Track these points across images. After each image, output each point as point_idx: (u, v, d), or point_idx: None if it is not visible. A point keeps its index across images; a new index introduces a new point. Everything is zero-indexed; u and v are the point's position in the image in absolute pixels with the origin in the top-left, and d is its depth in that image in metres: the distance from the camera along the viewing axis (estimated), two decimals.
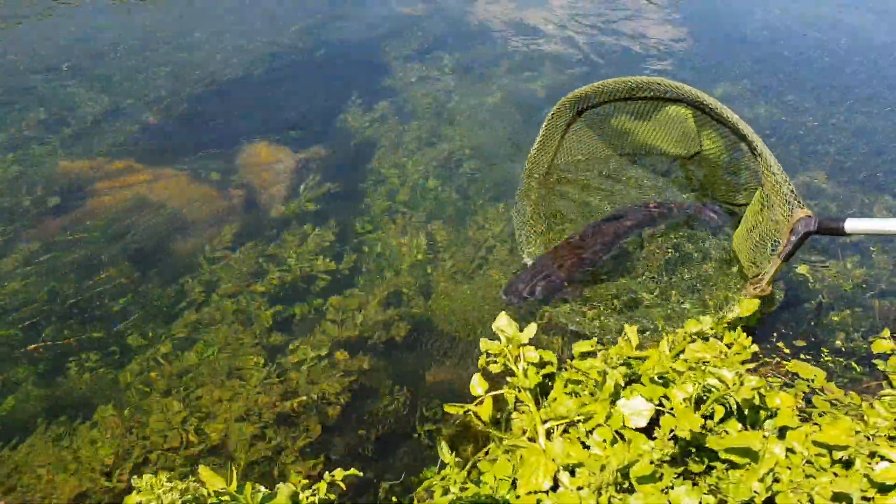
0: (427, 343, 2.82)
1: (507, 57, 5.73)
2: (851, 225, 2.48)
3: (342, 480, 1.92)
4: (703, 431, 1.78)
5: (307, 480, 2.09)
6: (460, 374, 2.62)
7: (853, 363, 2.73)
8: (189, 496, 1.94)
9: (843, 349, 2.81)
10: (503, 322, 2.00)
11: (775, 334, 2.88)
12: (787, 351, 2.76)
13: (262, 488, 1.91)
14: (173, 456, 2.41)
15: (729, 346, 2.08)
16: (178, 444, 2.49)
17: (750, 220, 3.05)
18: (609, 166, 4.00)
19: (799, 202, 2.60)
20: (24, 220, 3.56)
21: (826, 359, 2.75)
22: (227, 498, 1.81)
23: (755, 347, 2.14)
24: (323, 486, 1.91)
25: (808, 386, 2.50)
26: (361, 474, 1.93)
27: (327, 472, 1.92)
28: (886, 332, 2.84)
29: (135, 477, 2.07)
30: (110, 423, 2.52)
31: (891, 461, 1.82)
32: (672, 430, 1.75)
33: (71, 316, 2.97)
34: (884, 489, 1.77)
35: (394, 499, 2.10)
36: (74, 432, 2.48)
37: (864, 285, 3.17)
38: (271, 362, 2.74)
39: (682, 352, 1.99)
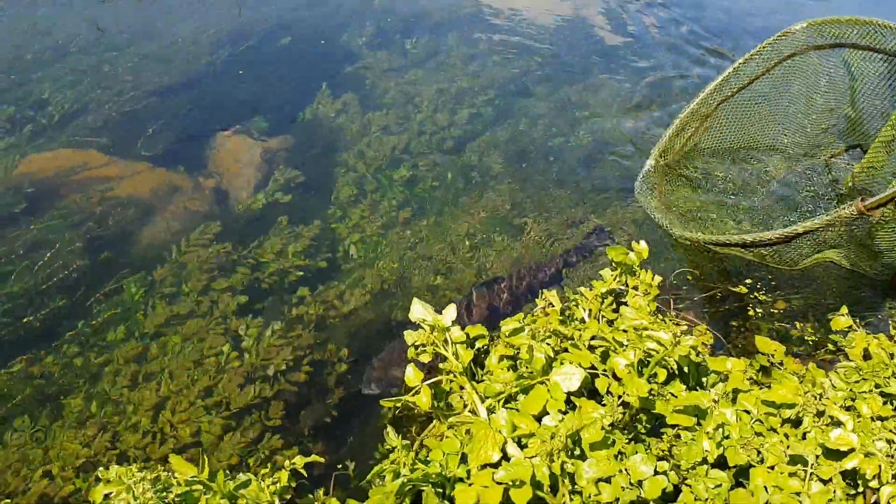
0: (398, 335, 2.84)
1: (473, 43, 5.68)
2: None
3: (303, 467, 1.95)
4: (651, 396, 1.82)
5: (267, 469, 2.13)
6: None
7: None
8: (161, 485, 1.96)
9: None
10: (419, 310, 1.94)
11: None
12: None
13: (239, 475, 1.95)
14: (147, 448, 2.44)
15: (636, 288, 2.14)
16: (151, 437, 2.52)
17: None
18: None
19: None
20: None
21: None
22: (199, 486, 1.83)
23: (659, 279, 2.23)
24: (284, 474, 1.95)
25: (769, 360, 2.55)
26: (323, 460, 1.96)
27: (287, 461, 1.95)
28: (844, 310, 2.87)
29: (101, 469, 2.08)
30: (82, 419, 2.54)
31: (840, 423, 1.86)
32: (620, 397, 1.79)
33: (39, 312, 2.98)
34: (837, 455, 1.80)
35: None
36: (46, 428, 2.51)
37: None
38: (241, 353, 2.77)
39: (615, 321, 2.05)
